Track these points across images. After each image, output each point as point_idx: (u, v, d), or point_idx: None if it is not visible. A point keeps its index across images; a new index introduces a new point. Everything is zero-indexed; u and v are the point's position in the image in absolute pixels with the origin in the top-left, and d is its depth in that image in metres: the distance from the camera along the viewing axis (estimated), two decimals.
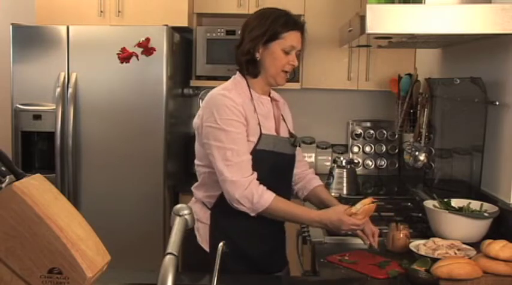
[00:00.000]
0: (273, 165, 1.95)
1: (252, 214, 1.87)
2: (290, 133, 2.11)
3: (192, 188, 2.11)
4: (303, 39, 2.01)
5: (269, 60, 1.96)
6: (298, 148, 2.14)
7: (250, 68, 1.99)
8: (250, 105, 1.95)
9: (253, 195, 1.83)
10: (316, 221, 1.89)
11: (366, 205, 1.88)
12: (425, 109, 2.82)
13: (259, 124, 1.95)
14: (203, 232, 1.99)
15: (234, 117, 1.88)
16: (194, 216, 2.01)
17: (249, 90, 2.00)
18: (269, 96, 2.07)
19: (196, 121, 2.01)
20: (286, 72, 1.99)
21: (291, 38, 1.96)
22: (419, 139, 2.84)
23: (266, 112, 2.01)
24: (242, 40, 2.00)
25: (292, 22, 1.98)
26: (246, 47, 1.97)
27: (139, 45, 3.27)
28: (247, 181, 1.84)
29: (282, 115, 2.12)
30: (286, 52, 1.95)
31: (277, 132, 2.03)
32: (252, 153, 1.91)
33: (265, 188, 1.87)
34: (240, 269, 1.94)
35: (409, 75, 3.16)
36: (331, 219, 1.87)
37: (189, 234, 2.04)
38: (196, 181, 2.14)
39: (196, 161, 2.06)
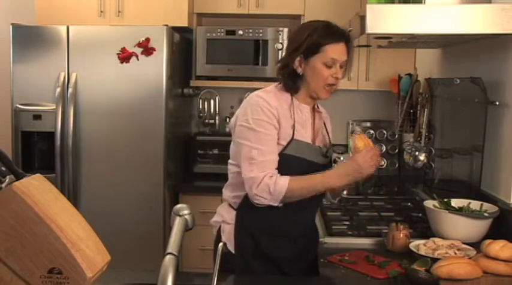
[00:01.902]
0: (299, 172, 1.90)
1: (276, 204, 1.86)
2: (326, 145, 2.09)
3: (224, 188, 2.11)
4: (349, 49, 1.93)
5: (310, 74, 1.92)
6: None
7: (290, 83, 1.95)
8: (288, 110, 1.94)
9: (268, 186, 1.83)
10: (337, 178, 1.87)
11: (352, 135, 1.90)
12: (425, 109, 2.82)
13: (293, 130, 1.93)
14: (228, 233, 2.00)
15: (265, 118, 1.88)
16: (219, 219, 2.04)
17: (291, 97, 1.97)
18: (313, 107, 2.05)
19: (232, 120, 2.02)
20: (330, 85, 1.93)
21: (331, 51, 1.88)
22: (419, 139, 2.84)
23: (303, 120, 1.98)
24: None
25: (331, 34, 1.89)
26: (283, 61, 1.96)
27: (139, 45, 3.27)
28: (261, 175, 1.84)
29: (326, 128, 2.11)
30: (328, 66, 1.89)
31: (313, 142, 2.02)
32: (279, 156, 1.91)
33: (278, 175, 1.86)
34: (264, 271, 1.96)
35: (409, 75, 3.16)
36: (349, 165, 1.87)
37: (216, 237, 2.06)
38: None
39: (229, 160, 2.06)
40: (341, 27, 1.96)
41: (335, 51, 1.89)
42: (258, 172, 1.85)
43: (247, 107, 1.93)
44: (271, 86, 2.02)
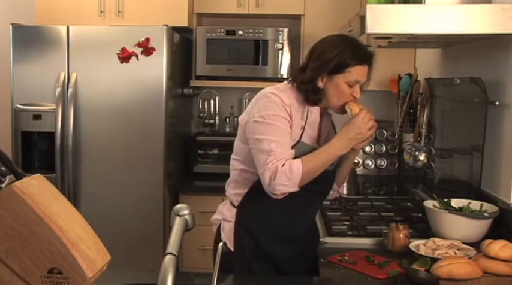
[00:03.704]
0: None
1: (296, 189, 1.84)
2: None
3: (226, 185, 2.10)
4: (370, 70, 1.95)
5: (332, 91, 1.92)
6: None
7: (312, 96, 1.93)
8: (300, 111, 1.94)
9: (285, 173, 1.81)
10: (342, 144, 1.89)
11: (347, 103, 1.92)
12: (425, 109, 2.82)
13: (302, 131, 1.93)
14: (228, 230, 2.00)
15: (281, 113, 1.88)
16: (220, 216, 2.04)
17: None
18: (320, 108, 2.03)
19: (243, 116, 1.99)
20: None
21: (356, 73, 1.89)
22: (419, 139, 2.84)
23: (312, 121, 1.98)
24: (306, 65, 1.95)
25: (359, 56, 1.90)
26: (308, 76, 1.92)
27: (139, 45, 3.27)
28: (274, 167, 1.82)
29: (334, 128, 2.11)
30: (350, 85, 1.91)
31: (317, 143, 2.01)
32: None
33: (290, 160, 1.84)
34: (263, 270, 1.96)
35: (409, 75, 3.15)
36: (349, 129, 1.88)
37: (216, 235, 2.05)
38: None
39: (232, 156, 2.05)
40: (366, 48, 1.96)
41: (359, 73, 1.90)
42: (274, 162, 1.82)
43: (261, 103, 1.92)
44: (282, 84, 2.00)
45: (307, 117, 1.95)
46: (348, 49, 1.89)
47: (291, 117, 1.90)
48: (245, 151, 1.96)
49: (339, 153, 1.91)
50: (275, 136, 1.86)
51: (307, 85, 1.92)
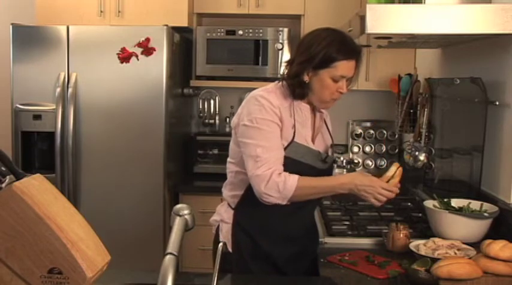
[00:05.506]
0: (298, 175, 1.88)
1: (284, 203, 1.86)
2: (326, 148, 2.09)
3: (223, 187, 2.11)
4: (357, 65, 1.91)
5: (318, 86, 1.91)
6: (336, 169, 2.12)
7: (297, 90, 1.93)
8: (288, 109, 1.93)
9: (277, 184, 1.82)
10: (345, 186, 1.87)
11: (394, 167, 1.91)
12: (425, 109, 2.82)
13: (294, 130, 1.93)
14: (226, 231, 2.01)
15: (268, 117, 1.88)
16: (218, 218, 2.04)
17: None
18: (313, 106, 2.02)
19: (234, 119, 2.00)
20: (334, 99, 1.95)
21: (342, 68, 1.87)
22: (419, 139, 2.84)
23: (303, 120, 1.98)
24: (293, 59, 1.95)
25: (346, 50, 1.87)
26: (294, 70, 1.92)
27: (139, 45, 3.27)
28: (269, 173, 1.83)
29: (328, 128, 2.12)
30: (335, 80, 1.89)
31: (312, 141, 2.01)
32: None
33: (287, 173, 1.85)
34: (262, 270, 1.96)
35: (409, 75, 3.15)
36: (365, 183, 1.86)
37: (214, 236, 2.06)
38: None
39: (228, 159, 2.06)
40: (354, 42, 1.94)
41: (345, 68, 1.88)
42: (264, 169, 1.83)
43: (250, 106, 1.92)
44: (272, 85, 2.00)
45: (294, 113, 1.95)
46: (334, 43, 1.87)
47: (281, 119, 1.90)
48: (239, 154, 1.95)
49: (338, 190, 1.90)
50: (262, 140, 1.86)
51: (293, 79, 1.92)
